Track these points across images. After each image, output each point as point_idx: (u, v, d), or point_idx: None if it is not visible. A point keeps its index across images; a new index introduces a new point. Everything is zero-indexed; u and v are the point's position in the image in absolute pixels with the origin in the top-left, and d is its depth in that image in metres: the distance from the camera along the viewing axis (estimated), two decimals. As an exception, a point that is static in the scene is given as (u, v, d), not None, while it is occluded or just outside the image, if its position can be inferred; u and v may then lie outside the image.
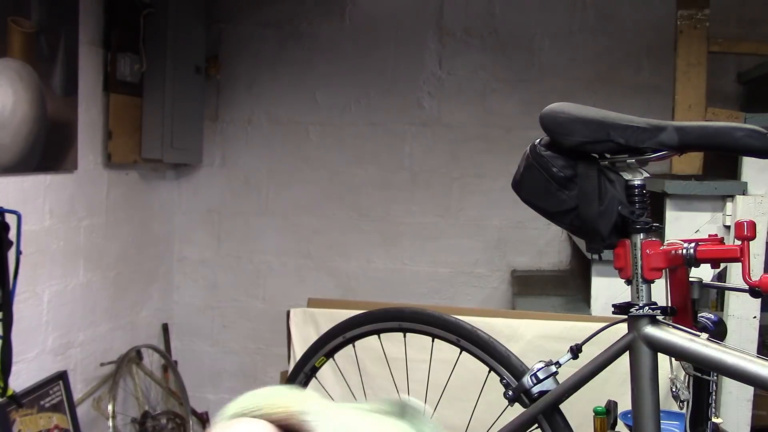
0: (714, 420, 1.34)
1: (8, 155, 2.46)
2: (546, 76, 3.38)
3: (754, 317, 2.27)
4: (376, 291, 3.50)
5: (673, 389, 1.37)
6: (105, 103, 3.03)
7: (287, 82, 3.58)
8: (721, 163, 2.62)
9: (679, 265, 1.23)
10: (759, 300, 2.20)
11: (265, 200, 3.63)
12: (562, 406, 1.34)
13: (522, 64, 3.41)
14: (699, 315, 1.33)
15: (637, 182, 1.22)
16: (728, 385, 2.24)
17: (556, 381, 1.33)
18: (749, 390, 2.25)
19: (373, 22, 3.51)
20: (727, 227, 2.33)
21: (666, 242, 1.23)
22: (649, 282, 1.22)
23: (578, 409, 1.43)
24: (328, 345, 1.67)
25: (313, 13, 3.55)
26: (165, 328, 3.62)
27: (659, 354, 1.20)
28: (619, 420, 1.49)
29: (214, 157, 3.66)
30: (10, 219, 2.28)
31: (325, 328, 1.75)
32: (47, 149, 2.64)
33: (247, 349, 3.69)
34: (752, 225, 1.14)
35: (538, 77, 3.39)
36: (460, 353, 1.50)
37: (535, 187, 1.27)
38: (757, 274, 1.12)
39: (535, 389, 1.33)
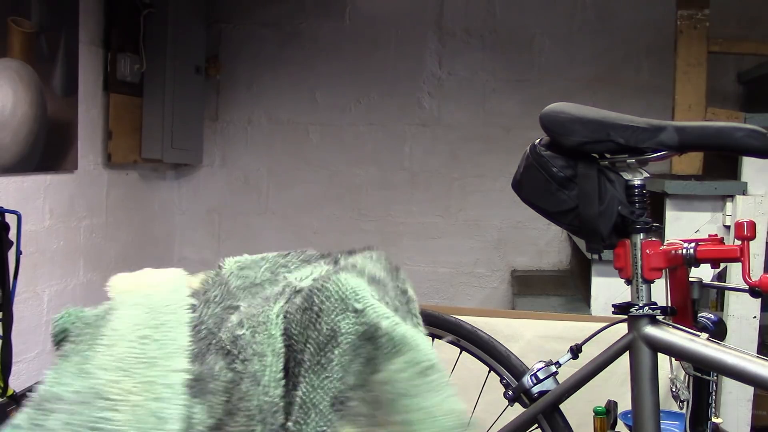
0: (714, 420, 1.34)
1: (8, 155, 2.46)
2: (546, 76, 3.39)
3: (754, 317, 2.27)
4: (376, 291, 3.50)
5: (673, 389, 1.37)
6: (105, 103, 3.03)
7: (287, 82, 3.58)
8: (721, 163, 2.62)
9: (679, 265, 1.23)
10: (759, 300, 2.20)
11: (265, 200, 3.63)
12: (562, 406, 1.34)
13: (522, 64, 3.41)
14: (699, 315, 1.33)
15: (637, 182, 1.22)
16: (728, 385, 2.24)
17: (556, 381, 1.33)
18: (749, 390, 2.25)
19: (373, 22, 3.51)
20: (727, 227, 2.33)
21: (666, 242, 1.23)
22: (649, 282, 1.22)
23: (578, 409, 1.43)
24: (328, 345, 1.67)
25: (313, 13, 3.55)
26: (165, 328, 3.61)
27: (659, 354, 1.20)
28: (619, 420, 1.49)
29: (214, 157, 3.66)
30: (10, 219, 2.28)
31: (325, 328, 1.74)
32: (47, 149, 2.64)
33: (247, 349, 3.69)
34: (752, 225, 1.14)
35: (538, 77, 3.40)
36: (460, 353, 1.50)
37: (535, 187, 1.27)
38: (757, 274, 1.12)
39: (535, 389, 1.33)
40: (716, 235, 1.29)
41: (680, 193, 2.36)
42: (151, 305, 0.65)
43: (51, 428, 0.55)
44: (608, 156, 1.23)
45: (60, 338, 0.71)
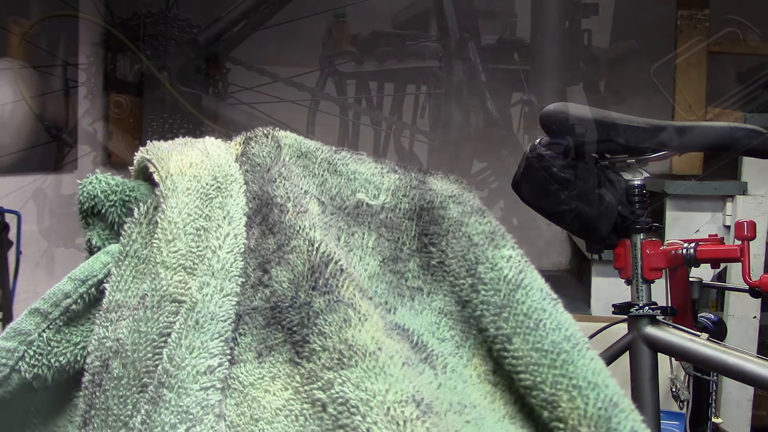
0: (714, 420, 1.34)
1: (8, 155, 2.46)
2: (546, 77, 3.38)
3: (754, 317, 2.27)
4: (376, 291, 3.50)
5: (673, 389, 1.37)
6: (105, 103, 3.03)
7: (287, 82, 3.57)
8: (721, 163, 2.62)
9: (679, 265, 1.23)
10: (759, 300, 2.20)
11: (265, 200, 3.63)
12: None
13: (522, 64, 3.41)
14: (699, 315, 1.34)
15: (637, 182, 1.22)
16: (728, 385, 2.24)
17: (556, 381, 1.33)
18: (749, 390, 2.25)
19: (373, 22, 3.50)
20: (727, 227, 2.33)
21: (666, 242, 1.23)
22: (649, 282, 1.22)
23: (578, 409, 1.43)
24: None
25: (313, 12, 3.55)
26: (165, 328, 3.61)
27: (659, 354, 1.20)
28: (619, 420, 1.48)
29: (214, 157, 3.65)
30: (10, 219, 2.28)
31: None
32: (47, 149, 2.64)
33: (247, 349, 3.68)
34: (752, 225, 1.15)
35: (538, 77, 3.39)
36: (460, 353, 1.50)
37: (535, 187, 1.27)
38: (757, 274, 1.12)
39: (535, 389, 1.32)
40: (716, 235, 1.29)
41: (680, 193, 2.36)
42: (203, 189, 0.59)
43: (116, 338, 0.49)
44: (608, 156, 1.24)
45: (87, 207, 0.61)
